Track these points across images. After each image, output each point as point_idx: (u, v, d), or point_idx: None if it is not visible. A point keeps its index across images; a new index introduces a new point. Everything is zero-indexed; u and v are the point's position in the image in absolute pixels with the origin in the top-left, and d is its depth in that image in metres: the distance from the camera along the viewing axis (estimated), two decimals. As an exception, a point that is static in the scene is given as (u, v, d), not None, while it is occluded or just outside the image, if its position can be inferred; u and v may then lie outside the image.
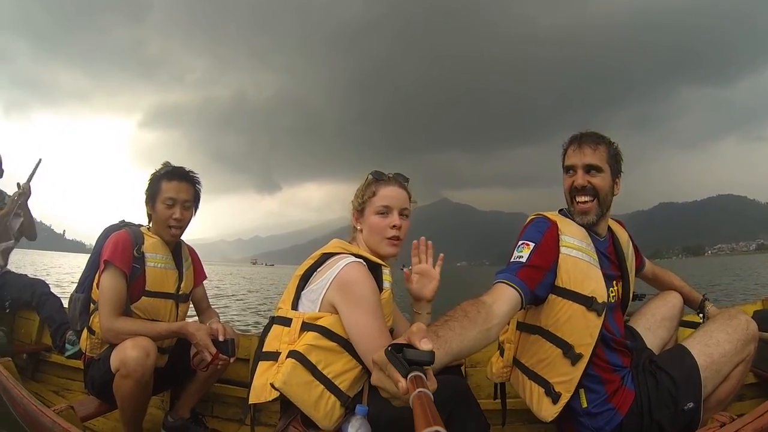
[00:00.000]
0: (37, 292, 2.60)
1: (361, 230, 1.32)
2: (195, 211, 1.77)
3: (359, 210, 1.33)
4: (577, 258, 1.24)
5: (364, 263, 1.22)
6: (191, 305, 1.91)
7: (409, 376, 0.55)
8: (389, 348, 0.60)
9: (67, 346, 2.35)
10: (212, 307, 1.97)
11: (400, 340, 0.63)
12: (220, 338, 1.52)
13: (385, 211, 1.29)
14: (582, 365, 1.20)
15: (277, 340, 1.21)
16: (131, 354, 1.41)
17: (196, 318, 1.87)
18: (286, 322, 1.21)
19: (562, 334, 1.22)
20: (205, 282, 1.91)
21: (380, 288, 1.25)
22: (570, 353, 1.20)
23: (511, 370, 1.41)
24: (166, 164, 1.71)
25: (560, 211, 1.39)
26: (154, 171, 1.71)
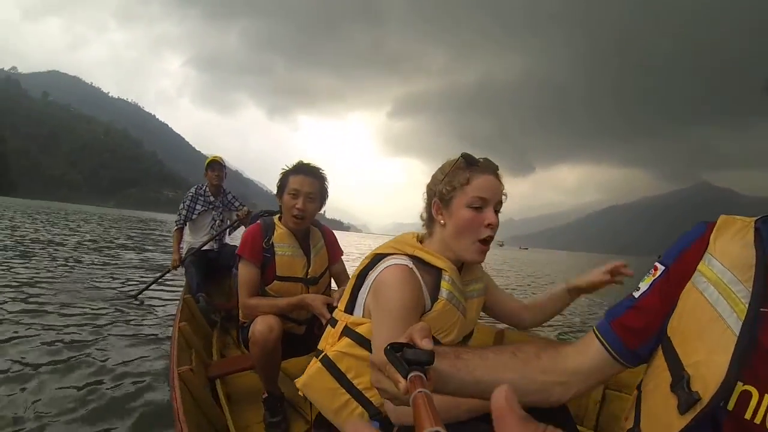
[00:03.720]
0: (234, 260, 2.69)
1: (444, 224, 1.07)
2: (321, 205, 1.88)
3: (444, 200, 1.07)
4: (707, 298, 0.67)
5: (413, 266, 1.03)
6: (332, 281, 2.09)
7: (409, 376, 0.53)
8: (388, 347, 0.58)
9: None
10: None
11: (401, 339, 0.60)
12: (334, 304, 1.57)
13: (480, 205, 1.03)
14: None
15: (325, 339, 1.17)
16: (258, 328, 1.64)
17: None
18: (334, 322, 1.16)
19: (640, 412, 0.75)
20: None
21: (435, 297, 1.05)
22: None
23: None
24: (300, 161, 1.87)
25: None
26: (285, 168, 1.86)
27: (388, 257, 1.07)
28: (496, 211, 1.06)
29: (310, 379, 1.12)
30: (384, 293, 1.01)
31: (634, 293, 0.75)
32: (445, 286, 1.06)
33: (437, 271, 1.06)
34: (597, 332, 0.76)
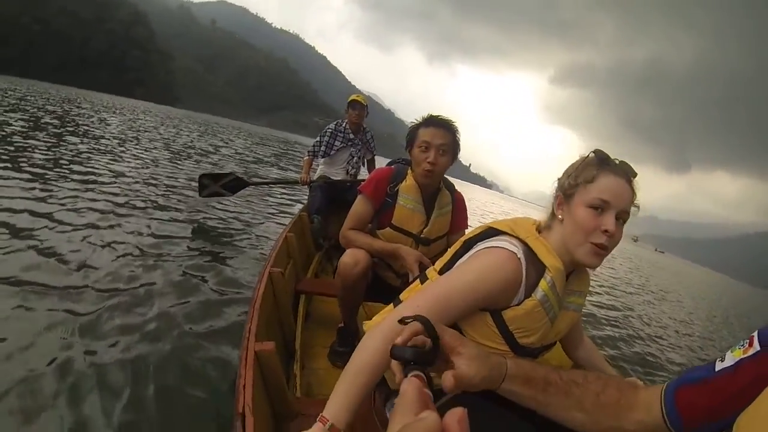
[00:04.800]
0: None
1: (562, 220, 1.01)
2: (453, 159, 1.79)
3: (566, 194, 1.01)
4: None
5: (522, 256, 0.96)
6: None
7: (408, 375, 0.53)
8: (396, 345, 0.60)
9: None
10: None
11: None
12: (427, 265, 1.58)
13: (601, 206, 0.95)
14: None
15: (409, 291, 1.17)
16: (345, 260, 1.66)
17: None
18: (424, 278, 1.15)
19: None
20: None
21: (528, 294, 0.97)
22: None
23: None
24: (429, 115, 1.79)
25: None
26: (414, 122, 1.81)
27: (502, 236, 1.01)
28: (622, 221, 0.97)
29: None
30: (468, 267, 0.97)
31: (717, 362, 0.66)
32: (542, 286, 0.97)
33: (542, 268, 0.98)
34: (663, 396, 0.70)
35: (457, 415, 0.33)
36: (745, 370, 0.61)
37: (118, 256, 2.85)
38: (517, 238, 0.99)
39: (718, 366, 0.64)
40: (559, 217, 1.01)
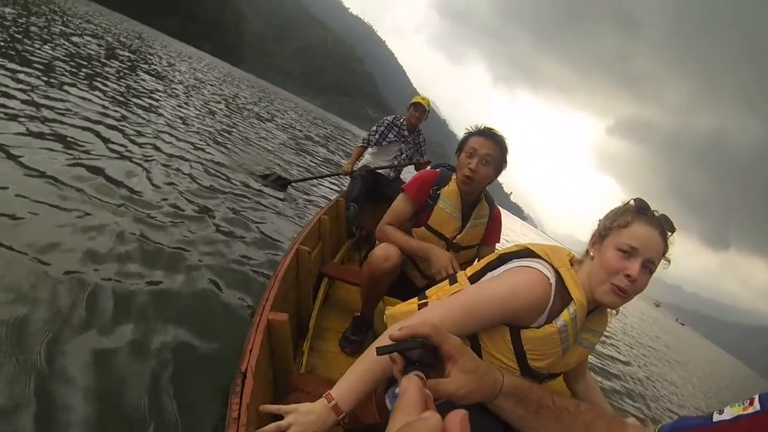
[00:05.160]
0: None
1: (592, 257, 1.05)
2: (497, 173, 1.78)
3: (601, 235, 1.05)
4: None
5: (553, 282, 0.99)
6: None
7: (408, 374, 0.54)
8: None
9: None
10: None
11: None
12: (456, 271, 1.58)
13: (629, 252, 0.98)
14: None
15: (437, 289, 1.18)
16: (378, 252, 1.67)
17: None
18: (454, 281, 1.16)
19: None
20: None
21: (550, 320, 0.99)
22: None
23: None
24: (483, 125, 1.80)
25: None
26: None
27: (537, 259, 1.04)
28: (648, 271, 0.99)
29: (399, 314, 1.14)
30: (502, 282, 1.00)
31: (714, 414, 0.65)
32: (565, 316, 1.00)
33: (568, 299, 1.01)
34: None
35: (459, 416, 0.34)
36: (742, 426, 0.61)
37: (163, 199, 2.96)
38: (551, 264, 1.02)
39: (716, 417, 0.64)
40: (591, 254, 1.06)
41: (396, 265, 1.68)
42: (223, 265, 2.41)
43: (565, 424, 0.74)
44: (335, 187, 6.20)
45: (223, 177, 4.24)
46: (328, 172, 5.60)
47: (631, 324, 13.57)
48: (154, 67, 11.60)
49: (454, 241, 1.85)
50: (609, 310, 1.11)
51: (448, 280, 1.19)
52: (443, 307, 0.99)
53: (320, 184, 6.08)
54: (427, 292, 1.19)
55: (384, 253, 1.67)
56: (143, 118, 5.03)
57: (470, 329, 0.99)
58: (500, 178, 1.86)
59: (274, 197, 4.41)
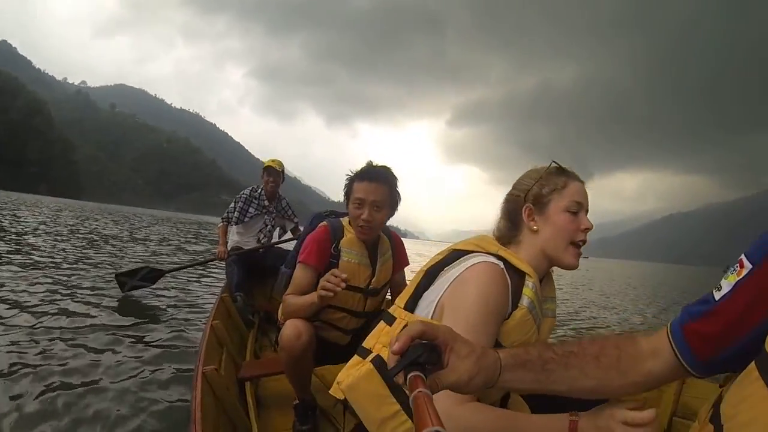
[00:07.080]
0: (279, 262, 2.58)
1: (536, 230, 1.03)
2: (391, 213, 1.73)
3: (539, 203, 1.03)
4: None
5: (503, 267, 0.97)
6: (389, 293, 1.94)
7: (408, 375, 0.53)
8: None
9: None
10: None
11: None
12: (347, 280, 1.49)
13: (576, 210, 1.01)
14: None
15: (375, 337, 1.07)
16: (286, 332, 1.56)
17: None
18: (390, 319, 1.06)
19: None
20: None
21: (515, 304, 0.97)
22: None
23: None
24: (369, 163, 1.73)
25: None
26: (351, 173, 1.73)
27: (473, 254, 1.00)
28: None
29: (357, 381, 1.00)
30: (468, 292, 0.93)
31: (714, 293, 0.65)
32: (527, 293, 0.98)
33: (521, 277, 0.99)
34: (669, 335, 0.69)
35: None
36: (744, 290, 0.62)
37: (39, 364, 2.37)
38: (487, 252, 1.00)
39: (717, 295, 0.64)
40: (534, 228, 1.03)
41: (311, 337, 1.58)
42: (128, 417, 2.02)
43: (576, 367, 0.71)
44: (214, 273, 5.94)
45: (94, 325, 3.51)
46: (203, 259, 5.44)
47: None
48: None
49: (369, 287, 1.77)
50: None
51: (383, 322, 1.09)
52: None
53: (196, 274, 5.79)
54: (367, 345, 1.07)
55: (294, 330, 1.55)
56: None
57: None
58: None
59: (152, 306, 3.92)
